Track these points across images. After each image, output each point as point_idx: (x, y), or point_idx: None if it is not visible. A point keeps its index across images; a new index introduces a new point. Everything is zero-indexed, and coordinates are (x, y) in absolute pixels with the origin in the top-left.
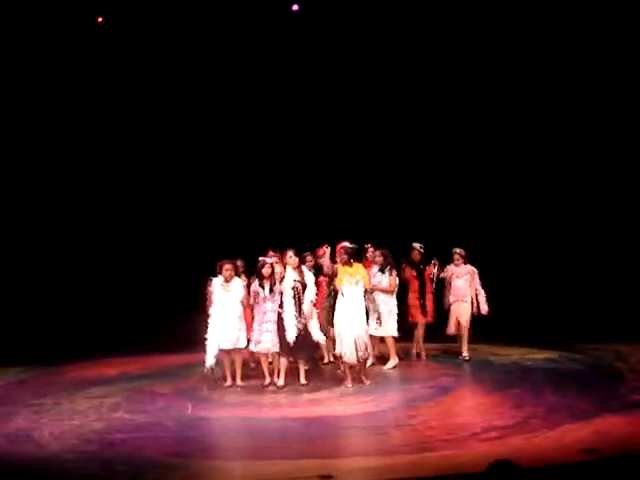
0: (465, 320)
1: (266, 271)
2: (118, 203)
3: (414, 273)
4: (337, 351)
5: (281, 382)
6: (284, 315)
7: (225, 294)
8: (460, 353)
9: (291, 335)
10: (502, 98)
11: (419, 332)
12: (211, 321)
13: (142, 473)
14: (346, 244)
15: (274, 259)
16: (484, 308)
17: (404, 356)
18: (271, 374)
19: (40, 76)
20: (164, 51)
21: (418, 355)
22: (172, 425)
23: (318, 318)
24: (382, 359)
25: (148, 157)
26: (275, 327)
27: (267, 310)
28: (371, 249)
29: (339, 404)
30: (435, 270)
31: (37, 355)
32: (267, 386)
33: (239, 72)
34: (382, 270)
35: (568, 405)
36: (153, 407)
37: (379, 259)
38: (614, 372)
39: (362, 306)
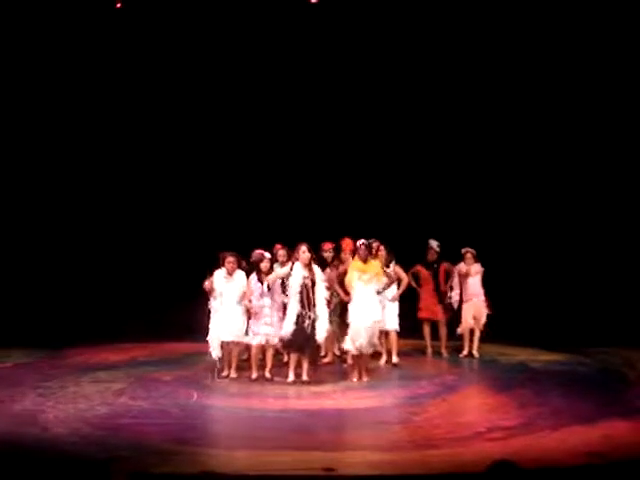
0: (482, 318)
1: (265, 266)
2: (128, 189)
3: (429, 272)
4: (345, 345)
5: (291, 377)
6: (287, 312)
7: (227, 286)
8: (461, 350)
9: (286, 331)
10: (514, 97)
11: (426, 330)
12: (213, 313)
13: (145, 459)
14: (364, 240)
15: (268, 254)
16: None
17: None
18: (262, 368)
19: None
20: (173, 41)
21: (439, 353)
22: (177, 412)
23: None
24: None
25: (160, 145)
26: (272, 322)
27: (265, 305)
28: (375, 245)
29: (344, 398)
30: (451, 293)
31: (45, 339)
32: (255, 380)
33: (245, 65)
34: (387, 265)
35: (574, 408)
36: (158, 394)
37: (383, 254)
38: (621, 377)
39: (375, 302)
